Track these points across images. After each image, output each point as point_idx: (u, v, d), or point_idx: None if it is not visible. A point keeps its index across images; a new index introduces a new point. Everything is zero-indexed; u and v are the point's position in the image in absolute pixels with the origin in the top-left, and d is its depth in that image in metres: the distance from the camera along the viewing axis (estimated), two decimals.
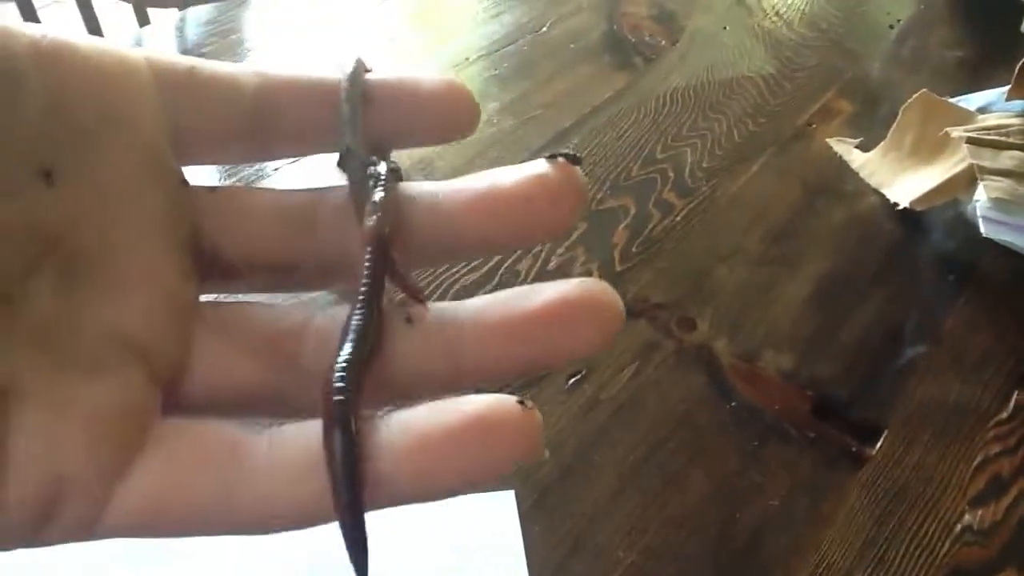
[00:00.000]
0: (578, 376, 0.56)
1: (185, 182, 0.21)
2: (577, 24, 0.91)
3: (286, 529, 0.18)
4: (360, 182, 0.21)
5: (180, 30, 0.87)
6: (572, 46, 0.87)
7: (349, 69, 0.22)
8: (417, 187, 0.21)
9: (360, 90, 0.22)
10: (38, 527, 0.17)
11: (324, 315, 0.21)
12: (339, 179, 0.22)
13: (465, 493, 0.18)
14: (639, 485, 0.51)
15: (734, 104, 0.81)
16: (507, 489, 0.49)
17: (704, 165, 0.74)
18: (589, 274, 0.62)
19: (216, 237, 0.21)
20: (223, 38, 0.84)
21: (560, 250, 0.64)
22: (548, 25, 0.90)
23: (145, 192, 0.20)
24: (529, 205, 0.20)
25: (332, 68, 0.22)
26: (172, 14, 0.90)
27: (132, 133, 0.20)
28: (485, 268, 0.62)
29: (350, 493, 0.17)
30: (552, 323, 0.19)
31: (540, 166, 0.20)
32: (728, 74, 0.85)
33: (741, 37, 0.91)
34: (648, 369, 0.57)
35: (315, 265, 0.21)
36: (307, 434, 0.17)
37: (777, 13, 0.96)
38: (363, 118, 0.21)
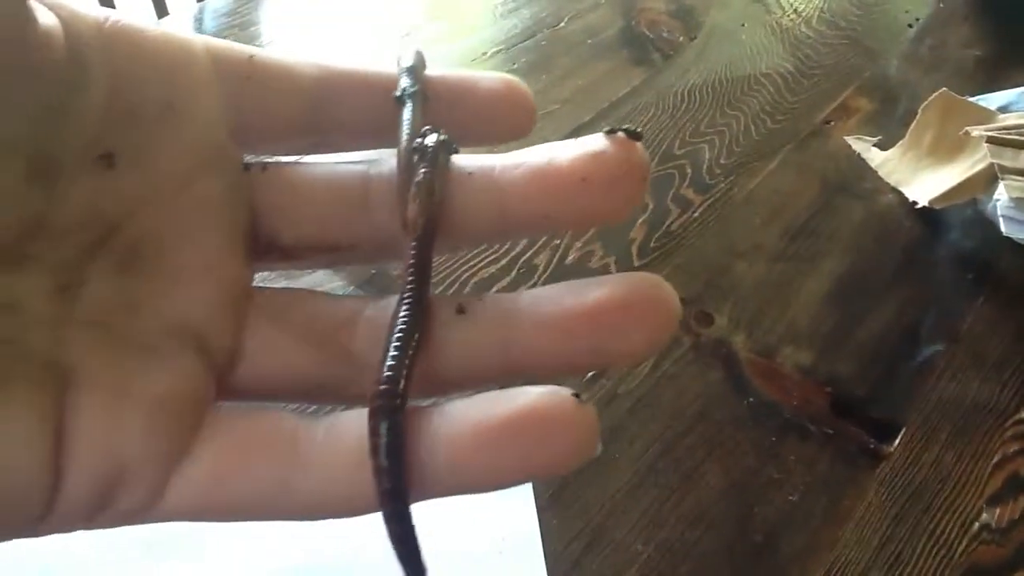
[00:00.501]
0: (595, 371, 0.56)
1: (246, 167, 0.21)
2: (595, 19, 0.91)
3: (338, 517, 0.18)
4: (409, 162, 0.20)
5: (199, 21, 0.87)
6: (590, 41, 0.87)
7: (408, 64, 0.22)
8: (472, 161, 0.21)
9: (419, 87, 0.21)
10: (95, 512, 0.17)
11: (375, 307, 0.20)
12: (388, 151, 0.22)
13: (514, 485, 0.17)
14: (656, 480, 0.51)
15: (752, 101, 0.81)
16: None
17: (722, 162, 0.74)
18: (607, 269, 0.62)
19: (272, 219, 0.21)
20: (242, 30, 0.84)
21: (578, 244, 0.64)
22: (566, 20, 0.90)
23: (204, 180, 0.20)
24: (586, 186, 0.19)
25: (391, 63, 0.22)
26: (191, 5, 0.91)
27: (193, 120, 0.20)
28: (504, 261, 0.62)
29: (395, 482, 0.16)
30: (605, 323, 0.18)
31: (598, 142, 0.19)
32: (746, 71, 0.85)
33: (759, 34, 0.91)
34: (666, 364, 0.57)
35: (370, 243, 0.21)
36: (363, 423, 0.17)
37: (795, 10, 0.95)
38: (420, 115, 0.21)
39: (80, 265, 0.17)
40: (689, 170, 0.73)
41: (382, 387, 0.17)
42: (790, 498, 0.50)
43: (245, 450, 0.17)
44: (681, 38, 0.89)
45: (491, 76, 0.21)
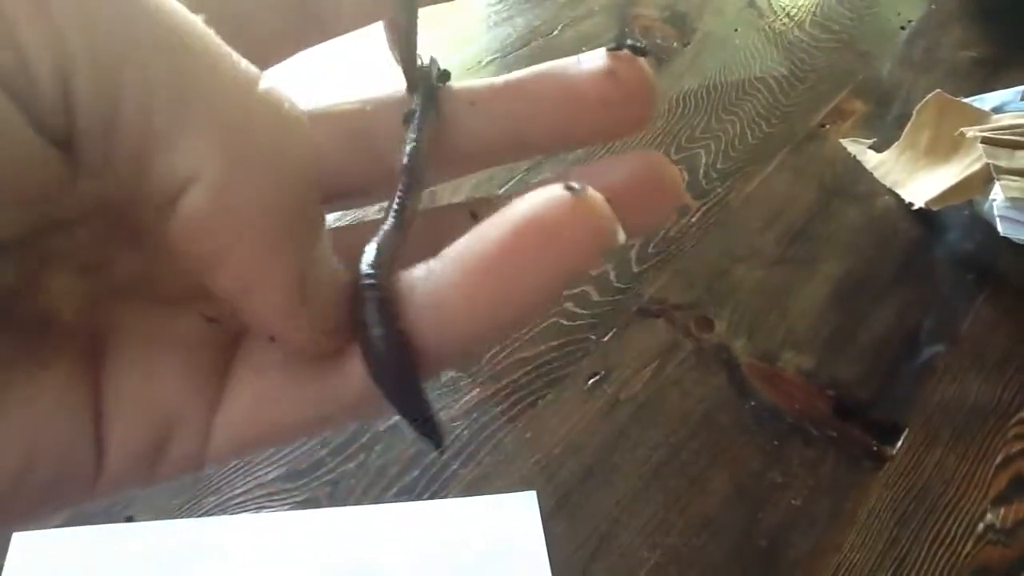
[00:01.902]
0: (597, 376, 0.56)
1: None
2: (589, 27, 0.91)
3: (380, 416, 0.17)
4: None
5: None
6: (584, 49, 0.87)
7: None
8: (472, 90, 0.20)
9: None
10: (149, 466, 0.17)
11: None
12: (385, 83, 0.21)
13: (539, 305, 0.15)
14: (661, 485, 0.51)
15: (747, 105, 0.81)
16: (529, 490, 0.50)
17: (718, 166, 0.74)
18: (605, 276, 0.62)
19: None
20: None
21: None
22: (560, 28, 0.90)
23: None
24: (606, 108, 0.19)
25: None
26: None
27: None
28: None
29: (394, 355, 0.15)
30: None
31: (609, 61, 0.19)
32: (740, 75, 0.85)
33: (753, 39, 0.91)
34: (667, 369, 0.57)
35: (381, 182, 0.20)
36: None
37: (788, 15, 0.96)
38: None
39: (97, 247, 0.17)
40: (685, 175, 0.73)
41: (368, 273, 0.16)
42: (794, 502, 0.50)
43: (278, 371, 0.17)
44: (675, 44, 0.89)
45: (588, 58, 0.19)
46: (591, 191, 0.15)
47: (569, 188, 0.15)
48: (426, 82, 0.20)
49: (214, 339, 0.18)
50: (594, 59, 0.19)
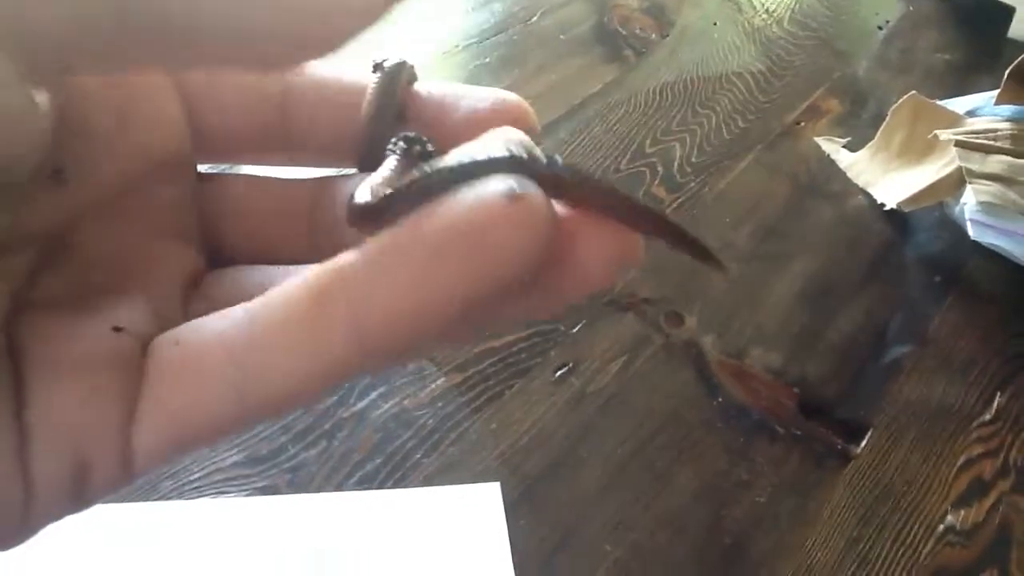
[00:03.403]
0: (565, 368, 0.55)
1: (200, 177, 0.20)
2: (568, 15, 0.90)
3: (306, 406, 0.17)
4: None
5: None
6: (562, 37, 0.87)
7: (380, 79, 0.20)
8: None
9: (390, 110, 0.20)
10: (76, 492, 0.16)
11: None
12: (345, 168, 0.21)
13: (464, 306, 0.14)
14: (626, 480, 0.50)
15: (723, 100, 0.81)
16: (492, 481, 0.49)
17: (693, 160, 0.74)
18: None
19: (215, 230, 0.20)
20: None
21: None
22: (539, 15, 0.89)
23: (157, 186, 0.19)
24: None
25: (367, 72, 0.20)
26: None
27: (148, 126, 0.19)
28: None
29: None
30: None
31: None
32: (718, 70, 0.85)
33: (731, 34, 0.91)
34: (636, 363, 0.56)
35: (311, 259, 0.20)
36: (283, 295, 0.16)
37: (767, 11, 0.96)
38: (388, 140, 0.19)
39: (28, 279, 0.17)
40: (660, 168, 0.72)
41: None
42: (759, 500, 0.50)
43: (187, 376, 0.16)
44: (654, 36, 0.89)
45: (479, 93, 0.20)
46: (532, 193, 0.14)
47: (508, 190, 0.14)
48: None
49: (122, 350, 0.17)
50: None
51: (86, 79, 0.18)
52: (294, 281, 0.16)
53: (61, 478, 0.16)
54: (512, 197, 0.14)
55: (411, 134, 0.18)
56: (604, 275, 0.16)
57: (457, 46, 0.83)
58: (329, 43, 0.14)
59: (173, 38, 0.13)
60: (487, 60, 0.81)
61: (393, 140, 0.18)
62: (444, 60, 0.82)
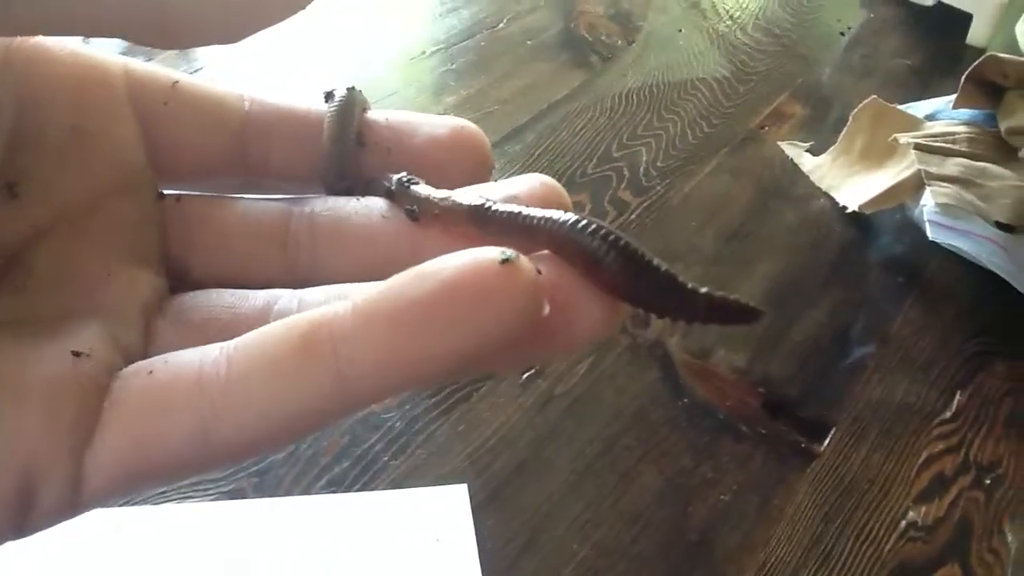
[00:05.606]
0: (532, 370, 0.55)
1: (161, 196, 0.20)
2: (534, 21, 0.91)
3: (270, 454, 0.17)
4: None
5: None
6: (529, 43, 0.87)
7: (336, 106, 0.21)
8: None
9: (350, 132, 0.20)
10: (19, 519, 0.16)
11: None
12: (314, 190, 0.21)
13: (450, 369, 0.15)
14: (593, 480, 0.51)
15: (688, 105, 0.82)
16: (460, 483, 0.49)
17: (659, 164, 0.74)
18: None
19: (182, 252, 0.20)
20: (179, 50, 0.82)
21: None
22: (505, 21, 0.90)
23: (114, 203, 0.19)
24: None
25: (320, 101, 0.21)
26: None
27: (103, 144, 0.19)
28: None
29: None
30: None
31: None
32: (683, 76, 0.86)
33: (696, 40, 0.92)
34: (602, 365, 0.57)
35: (284, 282, 0.20)
36: (264, 340, 0.16)
37: (731, 17, 0.97)
38: (351, 161, 0.20)
39: None
40: (626, 172, 0.73)
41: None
42: (723, 498, 0.51)
43: (154, 411, 0.16)
44: (620, 42, 0.90)
45: (436, 120, 0.20)
46: (523, 260, 0.15)
47: (501, 253, 0.15)
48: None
49: (81, 376, 0.17)
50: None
51: (39, 91, 0.18)
52: (277, 326, 0.16)
53: (5, 500, 0.15)
54: (503, 262, 0.15)
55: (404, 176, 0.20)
56: (597, 332, 0.17)
57: (424, 52, 0.83)
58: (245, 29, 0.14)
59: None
60: (454, 66, 0.82)
61: (395, 178, 0.20)
62: (411, 65, 0.82)
